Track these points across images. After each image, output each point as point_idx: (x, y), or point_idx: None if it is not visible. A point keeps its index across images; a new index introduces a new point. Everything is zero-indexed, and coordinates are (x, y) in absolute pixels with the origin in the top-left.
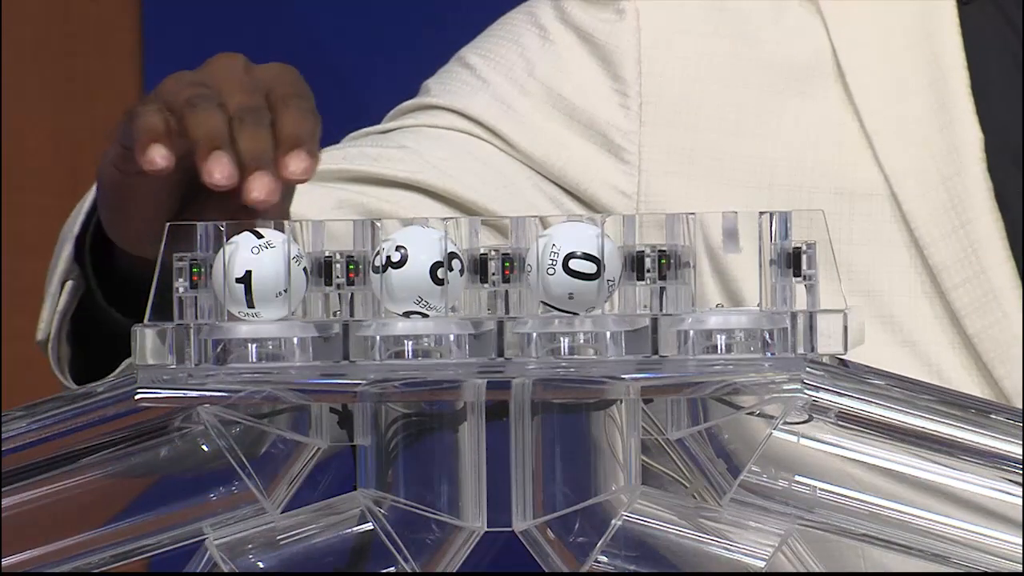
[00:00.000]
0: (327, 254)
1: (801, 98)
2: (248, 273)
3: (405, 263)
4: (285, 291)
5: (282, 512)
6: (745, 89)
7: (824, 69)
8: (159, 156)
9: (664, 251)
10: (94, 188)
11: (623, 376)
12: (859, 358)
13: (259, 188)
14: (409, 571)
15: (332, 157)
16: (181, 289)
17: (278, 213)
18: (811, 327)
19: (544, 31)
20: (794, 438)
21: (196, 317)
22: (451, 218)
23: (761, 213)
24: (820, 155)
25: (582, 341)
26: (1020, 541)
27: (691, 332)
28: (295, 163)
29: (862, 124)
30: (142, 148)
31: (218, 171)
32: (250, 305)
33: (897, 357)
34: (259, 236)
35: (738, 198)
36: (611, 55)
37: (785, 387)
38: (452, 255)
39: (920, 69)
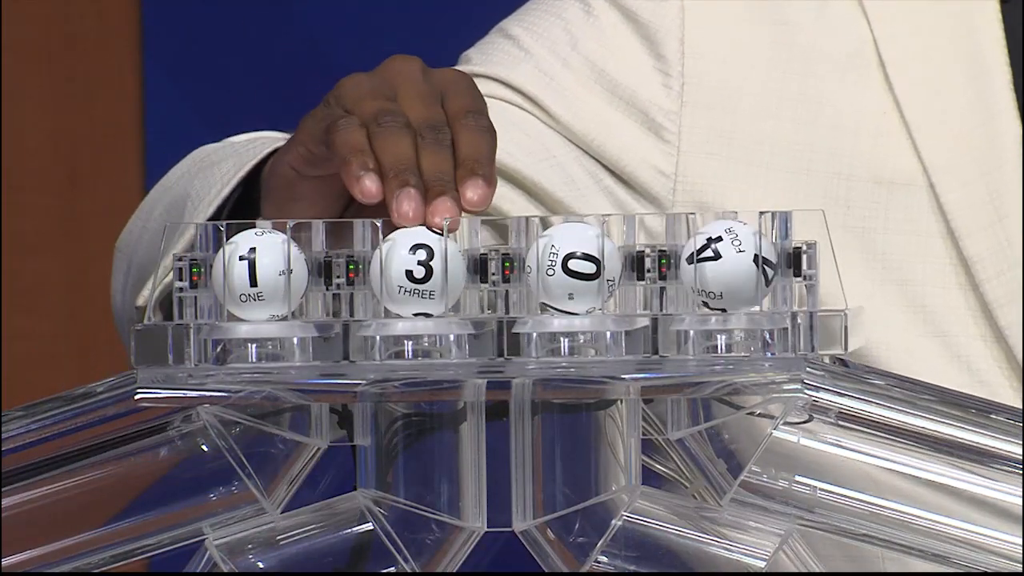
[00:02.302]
0: (327, 254)
1: (842, 86)
2: (253, 250)
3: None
4: (287, 272)
5: (282, 512)
6: (786, 75)
7: (865, 59)
8: (375, 187)
9: (664, 251)
10: (206, 169)
11: (623, 376)
12: (890, 348)
13: (442, 213)
14: (409, 571)
15: None
16: (181, 289)
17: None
18: (811, 327)
19: (588, 7)
20: (794, 438)
21: (196, 317)
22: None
23: (761, 213)
24: (860, 143)
25: (582, 341)
26: (1020, 541)
27: (691, 332)
28: (472, 191)
29: (902, 115)
30: (353, 175)
31: (408, 207)
32: (253, 283)
33: (927, 347)
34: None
35: (776, 183)
36: (654, 34)
37: (785, 387)
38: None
39: (961, 64)
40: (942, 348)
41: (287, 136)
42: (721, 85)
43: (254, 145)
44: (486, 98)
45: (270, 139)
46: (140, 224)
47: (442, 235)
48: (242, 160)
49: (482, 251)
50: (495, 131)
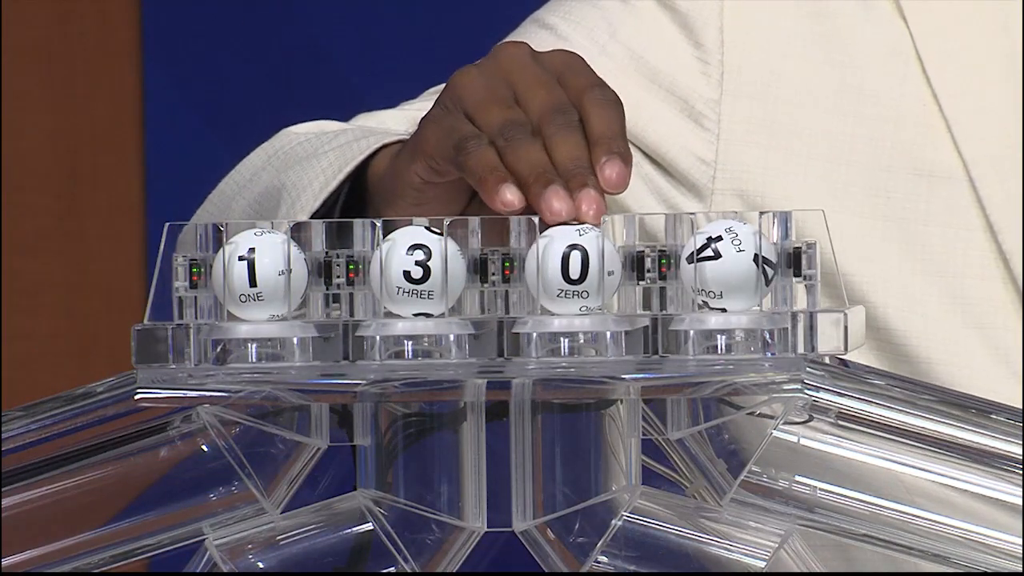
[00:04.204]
0: (327, 254)
1: (882, 77)
2: (252, 250)
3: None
4: (286, 272)
5: (282, 512)
6: (826, 65)
7: (904, 53)
8: (516, 198)
9: (664, 251)
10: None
11: (623, 376)
12: (930, 338)
13: (587, 204)
14: (409, 571)
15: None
16: (181, 289)
17: None
18: (811, 327)
19: None
20: (794, 438)
21: (196, 317)
22: (438, 218)
23: (762, 213)
24: (901, 134)
25: (582, 341)
26: (1020, 541)
27: (691, 332)
28: (609, 170)
29: (941, 110)
30: (492, 191)
31: (558, 204)
32: (252, 283)
33: (967, 338)
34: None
35: (816, 172)
36: (692, 22)
37: (785, 387)
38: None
39: (998, 61)
40: (981, 340)
41: (382, 129)
42: (761, 74)
43: (346, 137)
44: None
45: (362, 131)
46: (214, 216)
47: (593, 228)
48: (344, 155)
49: (482, 251)
50: (621, 102)
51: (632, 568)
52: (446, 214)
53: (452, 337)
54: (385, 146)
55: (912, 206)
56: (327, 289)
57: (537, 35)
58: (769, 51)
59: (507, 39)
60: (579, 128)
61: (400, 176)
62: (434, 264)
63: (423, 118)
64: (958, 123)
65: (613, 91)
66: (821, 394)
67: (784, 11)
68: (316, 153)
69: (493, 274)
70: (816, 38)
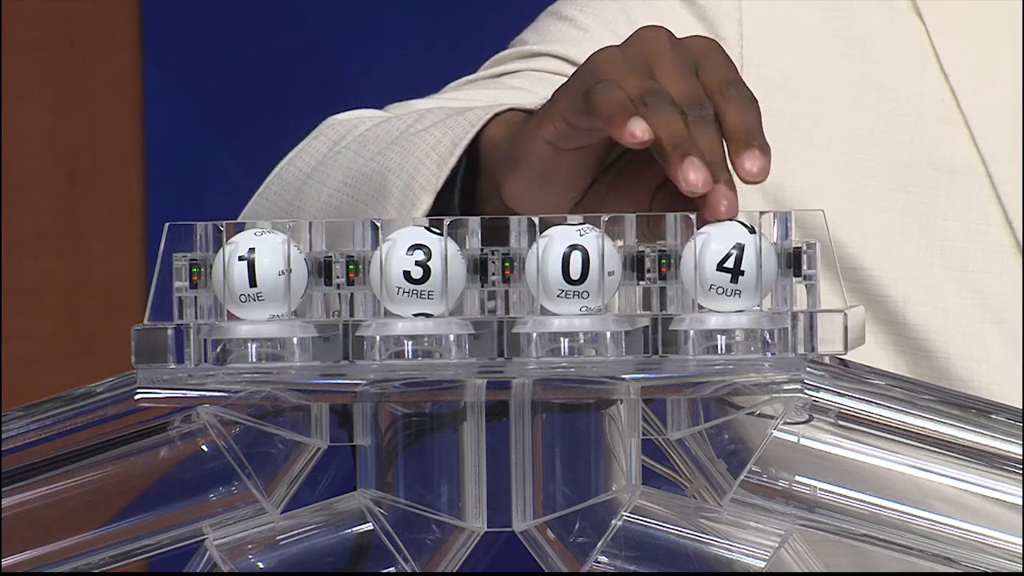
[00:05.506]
0: (327, 254)
1: (900, 73)
2: (252, 250)
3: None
4: (286, 272)
5: (282, 512)
6: (845, 59)
7: (921, 49)
8: (641, 130)
9: (664, 251)
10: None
11: (623, 376)
12: (948, 334)
13: (722, 199)
14: (409, 571)
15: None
16: (181, 289)
17: None
18: (811, 327)
19: None
20: (794, 438)
21: (196, 317)
22: (437, 217)
23: (762, 213)
24: (920, 129)
25: (582, 341)
26: (1020, 541)
27: (691, 332)
28: (751, 162)
29: (959, 105)
30: (619, 122)
31: (695, 177)
32: (252, 284)
33: (984, 334)
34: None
35: (836, 165)
36: (712, 15)
37: (785, 387)
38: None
39: (1014, 57)
40: (1000, 335)
41: (466, 103)
42: (781, 67)
43: (435, 116)
44: (551, 74)
45: (445, 110)
46: (281, 206)
47: (593, 228)
48: (453, 129)
49: (482, 251)
50: (756, 99)
51: (632, 568)
52: (568, 192)
53: (452, 337)
54: (496, 116)
55: (932, 201)
56: (327, 289)
57: (557, 27)
58: (788, 45)
59: (526, 31)
60: (713, 122)
61: (527, 142)
62: (434, 264)
63: (557, 88)
64: (976, 119)
65: (749, 89)
66: (821, 394)
67: (803, 5)
68: (408, 133)
69: (493, 274)
70: (835, 33)
